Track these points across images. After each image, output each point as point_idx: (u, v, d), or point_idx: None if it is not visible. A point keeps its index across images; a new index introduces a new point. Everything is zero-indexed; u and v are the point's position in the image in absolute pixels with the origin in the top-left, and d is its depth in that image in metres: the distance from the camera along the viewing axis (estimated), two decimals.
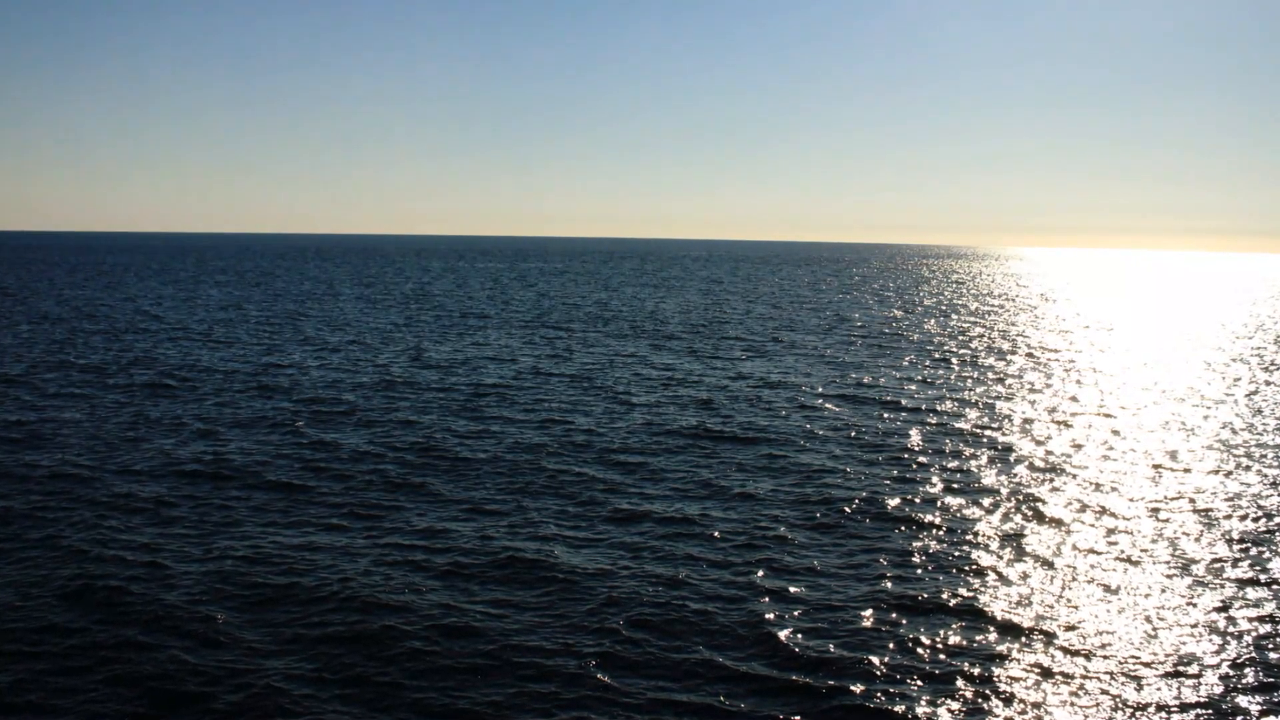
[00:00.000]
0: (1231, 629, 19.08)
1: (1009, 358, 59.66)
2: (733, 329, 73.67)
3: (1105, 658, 17.77)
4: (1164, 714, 16.06)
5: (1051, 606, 20.02)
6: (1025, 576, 21.75)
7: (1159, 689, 16.71)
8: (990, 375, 51.69)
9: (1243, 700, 16.39)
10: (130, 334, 64.24)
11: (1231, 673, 17.33)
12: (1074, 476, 30.09)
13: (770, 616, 19.33)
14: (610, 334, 68.73)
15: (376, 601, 19.71)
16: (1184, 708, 16.18)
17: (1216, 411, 42.05)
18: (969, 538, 24.27)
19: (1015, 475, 30.19)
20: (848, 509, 26.37)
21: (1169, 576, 21.78)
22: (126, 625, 18.60)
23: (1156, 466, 31.55)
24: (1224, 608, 20.08)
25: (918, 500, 27.37)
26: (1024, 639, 18.53)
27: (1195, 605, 20.18)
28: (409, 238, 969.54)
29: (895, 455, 32.58)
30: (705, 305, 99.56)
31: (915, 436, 35.48)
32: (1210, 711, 16.15)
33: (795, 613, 19.58)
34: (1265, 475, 30.77)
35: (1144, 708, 16.15)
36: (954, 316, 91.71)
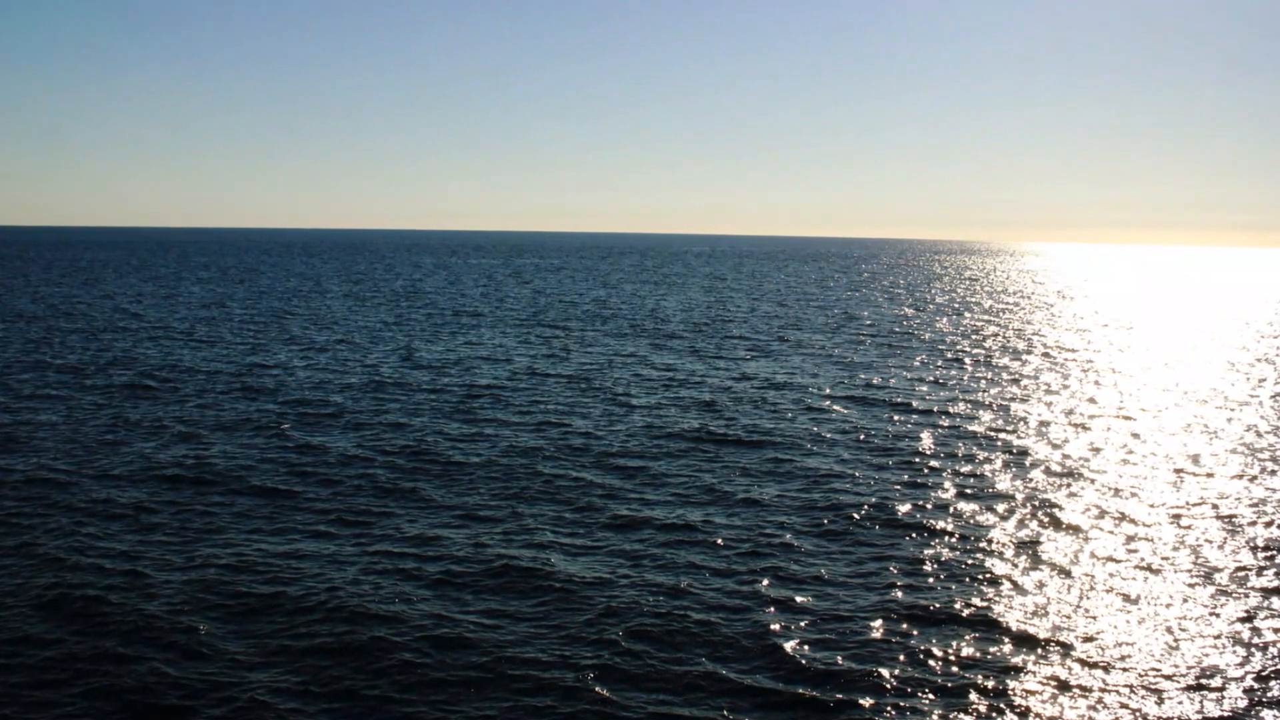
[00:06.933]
0: (1256, 640, 18.78)
1: (1024, 357, 59.23)
2: (736, 328, 73.29)
3: (1125, 670, 17.51)
4: None
5: (1069, 616, 19.71)
6: (1041, 585, 21.40)
7: (1180, 702, 16.45)
8: (1005, 376, 51.22)
9: (1268, 715, 16.16)
10: (109, 333, 63.68)
11: (1256, 685, 17.06)
12: (1092, 481, 29.64)
13: (776, 627, 19.07)
14: (609, 333, 68.30)
15: (365, 611, 19.46)
16: None
17: (1240, 413, 41.56)
18: (983, 545, 23.90)
19: (1031, 480, 29.73)
20: (856, 515, 25.96)
21: (1191, 585, 21.43)
22: (105, 636, 18.37)
23: (1178, 471, 31.10)
24: (1248, 618, 19.76)
25: (929, 506, 26.94)
26: (1040, 650, 18.28)
27: (1218, 615, 19.88)
28: (400, 232, 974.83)
29: (906, 459, 32.13)
30: (708, 303, 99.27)
31: (927, 439, 34.97)
32: None
33: (802, 623, 19.29)
34: None
35: None
36: (967, 315, 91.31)
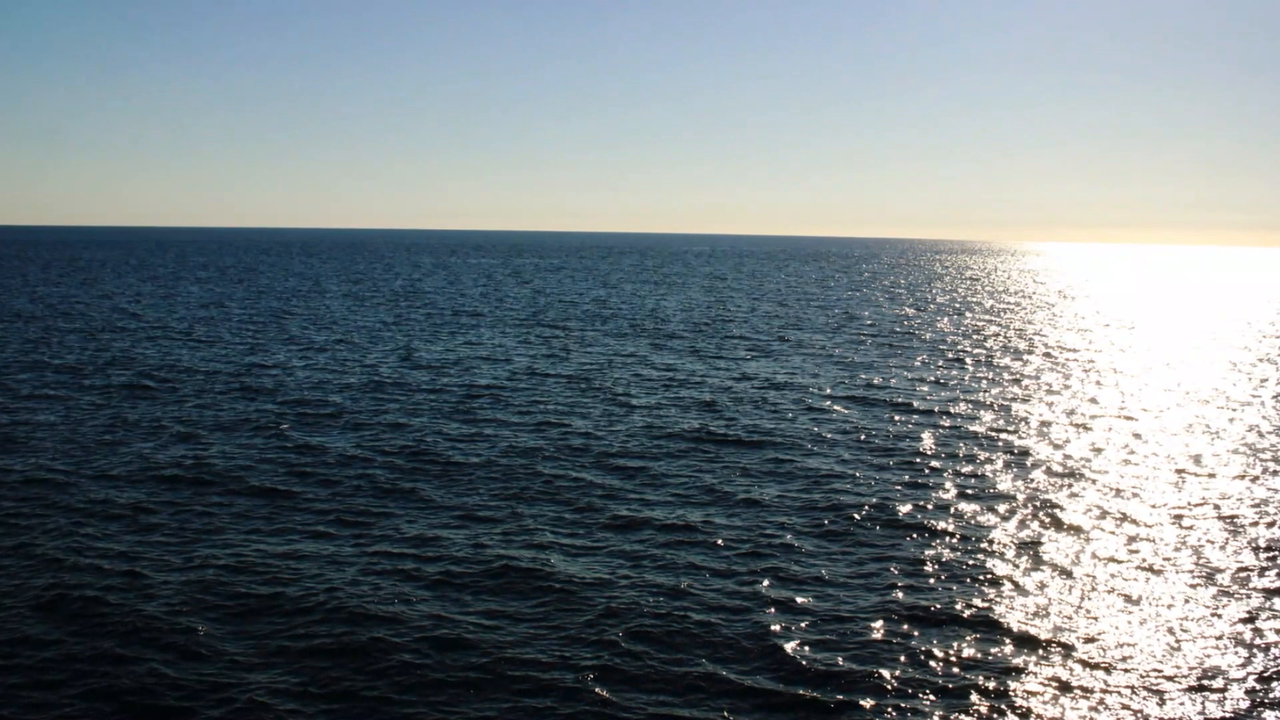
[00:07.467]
0: (1258, 640, 18.69)
1: (1026, 357, 59.07)
2: (737, 328, 73.12)
3: (1126, 671, 17.42)
4: None
5: (1070, 617, 19.61)
6: (1043, 586, 21.29)
7: (1182, 703, 16.38)
8: (1006, 376, 51.07)
9: (1270, 716, 16.10)
10: (107, 333, 63.52)
11: (1258, 686, 16.99)
12: (1093, 481, 29.52)
13: (776, 628, 18.98)
14: (609, 333, 68.15)
15: (365, 612, 19.36)
16: None
17: (1242, 413, 41.42)
18: (984, 545, 23.78)
19: (1032, 480, 29.61)
20: (857, 515, 25.83)
21: (1193, 586, 21.32)
22: (103, 637, 18.28)
23: (1180, 471, 30.96)
24: (1250, 619, 19.67)
25: (930, 506, 26.81)
26: (1041, 651, 18.20)
27: (1220, 616, 19.78)
28: (399, 232, 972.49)
29: (907, 459, 32.00)
30: (708, 303, 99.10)
31: (927, 440, 34.83)
32: None
33: (802, 624, 19.18)
34: None
35: None
36: (968, 314, 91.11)
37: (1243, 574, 21.94)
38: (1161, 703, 16.28)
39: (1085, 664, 17.55)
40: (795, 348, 61.43)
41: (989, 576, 21.65)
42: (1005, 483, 29.19)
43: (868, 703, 16.23)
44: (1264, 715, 16.01)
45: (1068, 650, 18.08)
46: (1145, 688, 16.75)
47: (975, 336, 70.68)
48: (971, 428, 36.91)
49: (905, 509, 26.33)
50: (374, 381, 45.27)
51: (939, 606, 19.96)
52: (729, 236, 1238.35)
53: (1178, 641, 18.49)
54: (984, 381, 48.69)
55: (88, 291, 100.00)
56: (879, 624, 19.10)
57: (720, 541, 23.64)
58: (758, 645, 18.18)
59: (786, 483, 28.93)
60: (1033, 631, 18.83)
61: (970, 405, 41.72)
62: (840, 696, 16.43)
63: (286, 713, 15.74)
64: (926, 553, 23.09)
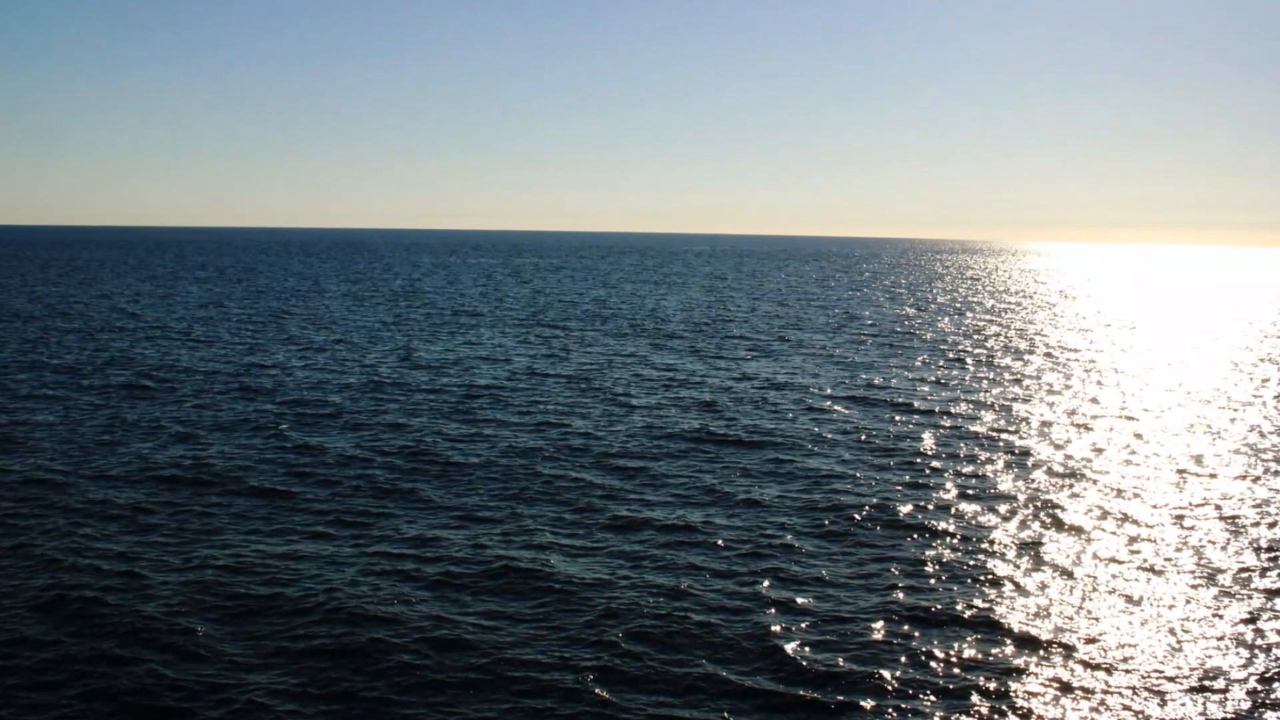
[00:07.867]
0: (1259, 641, 18.67)
1: (1026, 357, 59.02)
2: (737, 328, 73.07)
3: (1127, 671, 17.40)
4: None
5: (1071, 618, 19.59)
6: (1044, 586, 21.26)
7: (1183, 704, 16.36)
8: (1007, 376, 51.02)
9: (1271, 716, 16.07)
10: (106, 333, 63.46)
11: (1259, 687, 16.97)
12: (1094, 482, 29.48)
13: (777, 628, 18.96)
14: (609, 333, 68.11)
15: (364, 613, 19.35)
16: None
17: (1244, 414, 41.37)
18: (984, 546, 23.75)
19: (1033, 480, 29.57)
20: (857, 516, 25.80)
21: (1194, 587, 21.29)
22: (102, 638, 18.27)
23: (1181, 471, 30.92)
24: (1252, 619, 19.64)
25: (931, 507, 26.77)
26: (1042, 652, 18.18)
27: (1221, 616, 19.76)
28: (398, 232, 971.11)
29: (907, 460, 31.96)
30: (708, 303, 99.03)
31: (928, 440, 34.79)
32: None
33: (803, 624, 19.16)
34: None
35: None
36: (969, 314, 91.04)
37: (1244, 574, 21.91)
38: (1162, 703, 16.26)
39: (1086, 665, 17.54)
40: (795, 348, 61.38)
41: (989, 577, 21.62)
42: (1006, 483, 29.16)
43: (868, 703, 16.20)
44: (1264, 716, 15.99)
45: (1068, 651, 18.06)
46: (1146, 688, 16.73)
47: (976, 336, 70.62)
48: (972, 428, 36.87)
49: (906, 509, 26.29)
50: (373, 381, 45.22)
51: (939, 607, 19.94)
52: (729, 236, 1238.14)
53: (1179, 642, 18.47)
54: (984, 381, 48.64)
55: (86, 291, 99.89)
56: (879, 624, 19.07)
57: (720, 542, 23.61)
58: (758, 646, 18.15)
59: (787, 483, 28.89)
60: (1033, 632, 18.81)
61: (971, 405, 41.68)
62: (840, 697, 16.41)
63: (286, 713, 15.72)
64: (927, 553, 23.06)
